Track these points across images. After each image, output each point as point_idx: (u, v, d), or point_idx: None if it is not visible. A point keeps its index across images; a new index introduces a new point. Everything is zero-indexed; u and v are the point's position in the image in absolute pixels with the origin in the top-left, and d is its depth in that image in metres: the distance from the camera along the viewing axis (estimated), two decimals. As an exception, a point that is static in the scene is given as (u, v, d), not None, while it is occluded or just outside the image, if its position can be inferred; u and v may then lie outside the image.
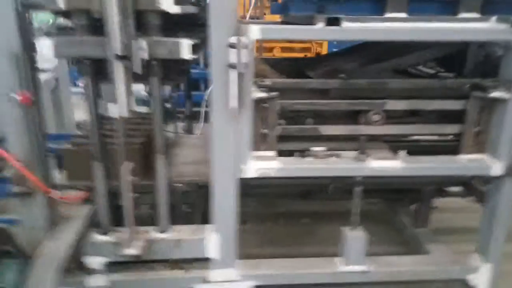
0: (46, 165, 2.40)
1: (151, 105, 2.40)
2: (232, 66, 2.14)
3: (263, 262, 2.84)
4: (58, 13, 2.28)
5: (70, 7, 2.06)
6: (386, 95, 2.59)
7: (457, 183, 3.08)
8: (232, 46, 2.11)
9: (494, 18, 2.36)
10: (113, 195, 2.55)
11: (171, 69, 2.36)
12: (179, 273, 2.70)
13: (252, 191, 2.94)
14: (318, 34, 2.29)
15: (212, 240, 2.58)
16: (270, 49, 6.42)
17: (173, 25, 2.31)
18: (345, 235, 2.73)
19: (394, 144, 2.76)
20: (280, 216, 3.99)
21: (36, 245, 2.33)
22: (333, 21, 2.22)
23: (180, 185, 2.71)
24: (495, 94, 2.44)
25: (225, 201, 2.51)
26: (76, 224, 2.49)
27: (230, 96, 2.20)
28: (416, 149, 2.90)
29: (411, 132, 2.73)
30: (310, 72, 2.83)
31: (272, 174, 2.47)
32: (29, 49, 2.16)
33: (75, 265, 2.57)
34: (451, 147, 2.67)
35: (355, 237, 2.71)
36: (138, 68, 2.12)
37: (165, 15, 2.15)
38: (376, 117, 2.59)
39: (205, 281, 2.68)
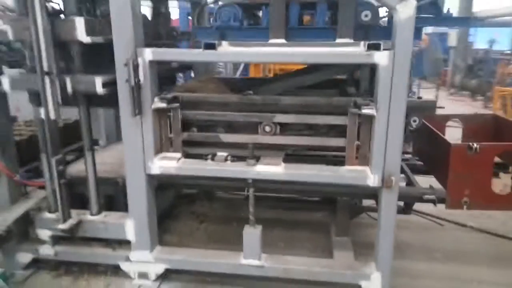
0: (11, 155, 3.18)
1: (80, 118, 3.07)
2: (126, 81, 2.72)
3: (178, 249, 3.32)
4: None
5: (15, 38, 2.83)
6: (279, 109, 2.95)
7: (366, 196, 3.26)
8: (125, 65, 2.70)
9: (363, 43, 2.64)
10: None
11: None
12: (109, 251, 3.29)
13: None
14: (197, 56, 2.78)
15: (129, 225, 3.13)
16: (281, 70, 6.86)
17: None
18: (244, 232, 3.09)
19: (294, 154, 3.10)
20: (237, 220, 4.39)
21: (-5, 215, 3.11)
22: (210, 46, 2.69)
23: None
24: (365, 111, 2.69)
25: (137, 193, 3.05)
26: (28, 203, 3.22)
27: (129, 105, 2.78)
28: (318, 160, 3.22)
29: (299, 143, 3.01)
30: (249, 89, 3.27)
31: (172, 172, 2.97)
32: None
33: (26, 234, 3.29)
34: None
35: (251, 233, 3.06)
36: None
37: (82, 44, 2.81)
38: (267, 128, 2.96)
39: (127, 259, 3.23)
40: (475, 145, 2.94)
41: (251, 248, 3.07)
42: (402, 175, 3.73)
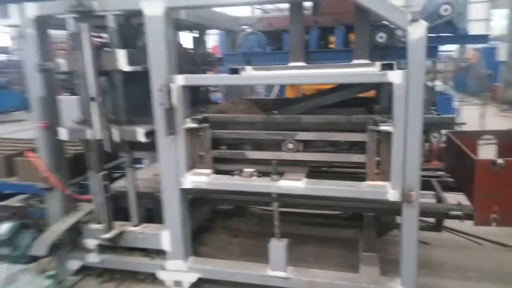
0: (63, 172, 3.59)
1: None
2: (161, 104, 3.03)
3: (210, 260, 3.53)
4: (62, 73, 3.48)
5: (68, 69, 3.25)
6: (301, 127, 3.12)
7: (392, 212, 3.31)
8: (160, 90, 3.01)
9: (378, 63, 2.78)
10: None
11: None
12: (146, 260, 3.56)
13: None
14: (223, 81, 3.04)
15: (164, 236, 3.40)
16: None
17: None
18: (270, 245, 3.24)
19: (320, 171, 3.23)
20: (269, 235, 4.53)
21: (49, 225, 3.50)
22: (234, 71, 2.94)
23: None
24: (383, 127, 2.79)
25: (171, 206, 3.32)
26: (78, 215, 3.59)
27: (164, 126, 3.08)
28: (341, 176, 3.33)
29: (321, 159, 3.14)
30: (276, 109, 3.49)
31: (203, 186, 3.21)
32: (51, 95, 3.42)
33: (76, 243, 3.65)
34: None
35: (277, 246, 3.21)
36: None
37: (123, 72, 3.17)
38: (290, 145, 3.14)
39: (163, 268, 3.48)
40: (499, 160, 2.93)
41: (277, 261, 3.21)
42: (432, 192, 3.74)
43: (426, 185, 3.82)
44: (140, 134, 3.19)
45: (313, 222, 4.57)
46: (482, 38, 2.94)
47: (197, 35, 4.47)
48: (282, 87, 6.77)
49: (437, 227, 3.67)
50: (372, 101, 3.81)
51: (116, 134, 3.24)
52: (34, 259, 3.32)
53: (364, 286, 3.06)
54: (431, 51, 2.64)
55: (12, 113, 14.36)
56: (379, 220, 3.97)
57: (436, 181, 3.85)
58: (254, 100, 4.35)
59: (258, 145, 3.33)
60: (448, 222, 4.03)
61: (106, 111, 3.24)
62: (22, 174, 4.18)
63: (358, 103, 3.61)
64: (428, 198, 3.73)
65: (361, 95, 3.63)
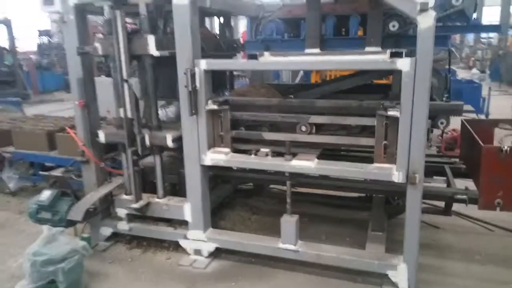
0: (98, 147, 3.94)
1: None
2: (185, 87, 3.30)
3: (227, 232, 3.83)
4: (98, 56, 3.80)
5: (104, 53, 3.57)
6: (314, 111, 3.32)
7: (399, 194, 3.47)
8: (185, 73, 3.28)
9: (389, 51, 2.92)
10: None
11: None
12: (170, 229, 3.90)
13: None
14: (243, 65, 3.26)
15: (186, 208, 3.71)
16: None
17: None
18: (282, 220, 3.49)
19: (332, 154, 3.43)
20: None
21: (85, 194, 3.89)
22: (252, 57, 3.15)
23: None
24: (391, 112, 2.96)
25: (193, 181, 3.62)
26: (110, 186, 3.96)
27: (187, 106, 3.36)
28: (352, 158, 3.52)
29: (332, 142, 3.32)
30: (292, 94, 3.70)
31: (222, 163, 3.48)
32: (88, 77, 3.77)
33: (108, 212, 4.03)
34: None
35: (288, 221, 3.45)
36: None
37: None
38: (303, 128, 3.34)
39: (185, 237, 3.80)
40: (505, 147, 3.03)
41: (288, 234, 3.46)
42: (444, 178, 3.86)
43: (439, 171, 3.97)
44: (169, 139, 3.56)
45: (329, 203, 4.78)
46: (495, 28, 3.02)
47: (223, 22, 4.70)
48: (307, 73, 6.94)
49: (446, 211, 3.79)
50: (388, 87, 3.95)
51: (147, 139, 3.65)
52: (71, 223, 3.71)
53: (368, 261, 3.27)
54: (442, 40, 2.75)
55: (53, 93, 15.19)
56: (390, 202, 4.13)
57: (449, 167, 3.96)
58: (275, 85, 4.57)
59: (275, 127, 3.56)
60: (462, 209, 4.18)
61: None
62: (62, 148, 4.60)
63: (376, 89, 3.77)
64: (440, 183, 3.87)
65: (379, 81, 3.78)
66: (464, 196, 3.30)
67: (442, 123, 3.08)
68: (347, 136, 3.29)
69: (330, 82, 3.69)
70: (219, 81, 4.37)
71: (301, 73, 6.59)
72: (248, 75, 5.92)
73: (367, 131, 3.26)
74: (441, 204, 3.92)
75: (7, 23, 13.60)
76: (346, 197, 4.71)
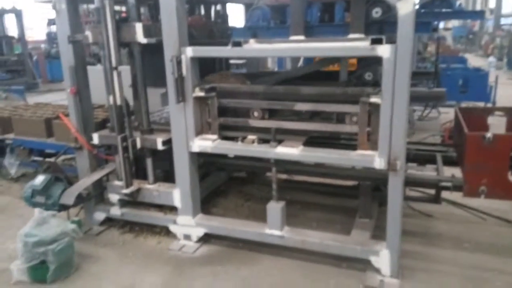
0: (90, 133, 4.02)
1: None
2: (172, 74, 3.34)
3: (215, 217, 3.89)
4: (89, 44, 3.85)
5: (94, 40, 3.62)
6: (299, 98, 3.33)
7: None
8: (170, 60, 3.31)
9: (370, 38, 2.91)
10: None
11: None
12: (161, 215, 3.98)
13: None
14: (228, 52, 3.28)
15: (175, 193, 3.77)
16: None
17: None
18: (268, 206, 3.53)
19: (318, 142, 3.45)
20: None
21: (78, 179, 3.98)
22: (237, 44, 3.17)
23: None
24: (373, 99, 2.96)
25: (181, 167, 3.67)
26: (103, 171, 4.05)
27: (174, 94, 3.40)
28: (338, 146, 3.53)
29: (317, 129, 3.33)
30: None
31: (209, 150, 3.53)
32: (80, 64, 3.83)
33: (102, 198, 4.13)
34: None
35: (274, 207, 3.50)
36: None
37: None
38: (288, 115, 3.37)
39: (175, 223, 3.88)
40: (489, 134, 3.02)
41: (274, 220, 3.50)
42: (434, 166, 3.85)
43: (431, 159, 3.95)
44: (159, 142, 3.67)
45: (323, 191, 4.80)
46: (479, 15, 2.98)
47: (218, 9, 4.72)
48: (309, 60, 6.91)
49: (436, 199, 3.78)
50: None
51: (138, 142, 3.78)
52: (64, 207, 3.82)
53: (351, 247, 3.30)
54: (425, 26, 2.72)
55: (62, 82, 15.37)
56: (380, 190, 4.13)
57: (441, 156, 3.94)
58: (247, 74, 4.59)
59: (259, 114, 3.58)
60: (458, 198, 4.17)
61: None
62: (58, 135, 4.70)
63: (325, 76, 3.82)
64: (430, 171, 3.86)
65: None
66: (449, 184, 3.29)
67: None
68: (330, 123, 3.29)
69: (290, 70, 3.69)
70: (213, 69, 4.40)
71: (302, 60, 6.56)
72: (244, 64, 5.95)
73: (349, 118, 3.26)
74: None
75: (17, 12, 13.78)
76: (339, 186, 4.74)
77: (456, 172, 3.69)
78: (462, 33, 25.65)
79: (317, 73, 3.59)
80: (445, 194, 3.79)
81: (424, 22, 2.73)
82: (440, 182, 3.34)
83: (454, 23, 24.90)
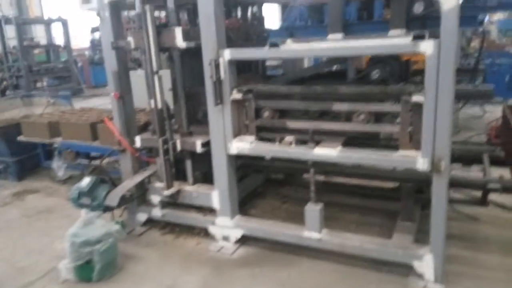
0: (133, 137, 4.14)
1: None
2: (210, 77, 3.39)
3: (253, 219, 3.90)
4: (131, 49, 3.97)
5: (135, 46, 3.73)
6: (337, 98, 3.28)
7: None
8: (209, 64, 3.36)
9: (411, 34, 2.83)
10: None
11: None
12: (200, 216, 4.04)
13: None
14: (265, 54, 3.28)
15: (214, 195, 3.82)
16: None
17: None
18: (307, 208, 3.50)
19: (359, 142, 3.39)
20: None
21: (122, 181, 4.11)
22: (274, 45, 3.17)
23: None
24: (415, 98, 2.87)
25: (220, 169, 3.71)
26: (145, 173, 4.16)
27: (213, 96, 3.44)
28: (379, 146, 3.44)
29: (356, 129, 3.26)
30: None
31: (246, 152, 3.55)
32: (123, 70, 3.96)
33: (144, 199, 4.24)
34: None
35: (312, 210, 3.46)
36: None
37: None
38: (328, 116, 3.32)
39: (213, 224, 3.92)
40: (542, 133, 2.84)
41: (312, 223, 3.47)
42: (480, 166, 3.68)
43: (477, 159, 3.78)
44: (198, 145, 3.75)
45: (362, 193, 4.70)
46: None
47: (254, 11, 4.73)
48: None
49: (483, 201, 3.61)
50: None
51: (178, 144, 3.88)
52: (109, 209, 3.95)
53: (393, 251, 3.21)
54: (470, 20, 2.61)
55: (105, 87, 15.98)
56: (423, 192, 3.99)
57: (487, 156, 3.76)
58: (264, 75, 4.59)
59: (299, 115, 3.56)
60: (506, 200, 3.97)
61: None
62: (103, 138, 4.88)
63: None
64: (476, 172, 3.69)
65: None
66: (498, 185, 3.13)
67: (376, 73, 3.16)
68: (370, 123, 3.21)
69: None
70: (249, 71, 4.43)
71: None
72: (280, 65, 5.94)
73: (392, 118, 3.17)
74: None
75: (63, 21, 14.47)
76: (379, 188, 4.62)
77: (504, 172, 3.51)
78: (508, 27, 24.37)
79: (325, 72, 3.56)
80: (492, 196, 3.63)
81: (468, 16, 2.62)
82: (487, 183, 3.19)
83: (499, 16, 23.71)
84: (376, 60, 3.42)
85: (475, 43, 10.39)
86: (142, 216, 4.30)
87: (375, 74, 3.32)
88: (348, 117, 3.33)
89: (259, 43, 4.46)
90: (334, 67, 4.24)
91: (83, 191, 3.92)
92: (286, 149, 3.40)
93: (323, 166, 3.51)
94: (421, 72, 3.77)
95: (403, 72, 3.50)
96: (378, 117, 3.22)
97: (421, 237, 3.45)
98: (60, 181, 5.77)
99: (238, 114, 3.57)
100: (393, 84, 3.30)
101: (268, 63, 5.89)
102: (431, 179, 2.98)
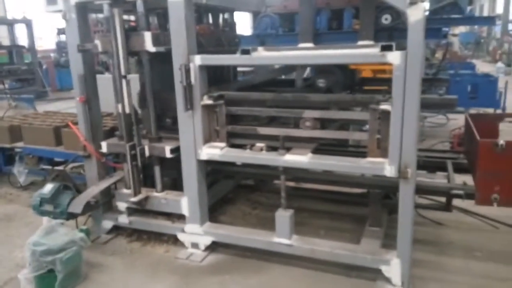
0: (98, 142, 4.03)
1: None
2: (180, 82, 3.34)
3: (223, 226, 3.87)
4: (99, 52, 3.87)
5: (103, 49, 3.64)
6: (308, 106, 3.31)
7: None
8: (179, 69, 3.32)
9: (379, 44, 2.89)
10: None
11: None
12: (169, 223, 3.96)
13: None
14: (236, 60, 3.28)
15: (183, 202, 3.76)
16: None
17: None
18: (277, 214, 3.50)
19: (327, 149, 3.43)
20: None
21: (86, 188, 3.98)
22: (245, 52, 3.17)
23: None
24: (382, 106, 2.93)
25: (189, 175, 3.66)
26: (111, 180, 4.04)
27: (182, 102, 3.40)
28: (347, 153, 3.50)
29: (326, 136, 3.30)
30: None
31: (217, 158, 3.51)
32: (89, 73, 3.85)
33: (110, 206, 4.12)
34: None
35: (282, 216, 3.46)
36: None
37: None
38: (307, 123, 3.33)
39: (182, 231, 3.86)
40: (501, 141, 2.97)
41: (282, 229, 3.47)
42: (445, 173, 3.80)
43: (443, 166, 3.89)
44: (167, 150, 3.68)
45: (331, 199, 4.75)
46: (490, 20, 2.95)
47: (225, 18, 4.73)
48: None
49: (447, 206, 3.72)
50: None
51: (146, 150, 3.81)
52: (72, 216, 3.81)
53: (361, 256, 3.25)
54: (435, 32, 2.70)
55: (71, 91, 15.51)
56: (390, 198, 4.09)
57: (451, 163, 3.88)
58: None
59: (269, 122, 3.57)
60: (471, 206, 4.09)
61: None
62: (67, 143, 4.72)
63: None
64: (441, 179, 3.80)
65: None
66: (461, 191, 3.24)
67: (322, 82, 3.42)
68: (340, 130, 3.26)
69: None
70: (221, 77, 4.41)
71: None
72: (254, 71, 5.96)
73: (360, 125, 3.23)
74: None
75: (27, 22, 13.97)
76: (348, 193, 4.69)
77: (467, 179, 3.64)
78: (469, 39, 25.51)
79: (274, 80, 3.64)
80: (456, 202, 3.75)
81: (434, 28, 2.71)
82: (451, 190, 3.29)
83: (461, 29, 24.77)
84: (321, 69, 3.51)
85: (439, 54, 10.79)
86: (108, 224, 4.17)
87: (321, 82, 3.41)
88: (318, 124, 3.36)
89: (230, 49, 4.48)
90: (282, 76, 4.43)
91: (45, 198, 3.77)
92: (257, 155, 3.40)
93: (293, 172, 3.52)
94: (368, 80, 3.90)
95: (348, 80, 3.59)
96: (347, 125, 3.28)
97: (388, 242, 3.52)
98: (21, 187, 5.53)
99: (208, 119, 3.54)
100: (338, 92, 3.40)
101: (239, 69, 5.91)
102: (398, 185, 3.05)
